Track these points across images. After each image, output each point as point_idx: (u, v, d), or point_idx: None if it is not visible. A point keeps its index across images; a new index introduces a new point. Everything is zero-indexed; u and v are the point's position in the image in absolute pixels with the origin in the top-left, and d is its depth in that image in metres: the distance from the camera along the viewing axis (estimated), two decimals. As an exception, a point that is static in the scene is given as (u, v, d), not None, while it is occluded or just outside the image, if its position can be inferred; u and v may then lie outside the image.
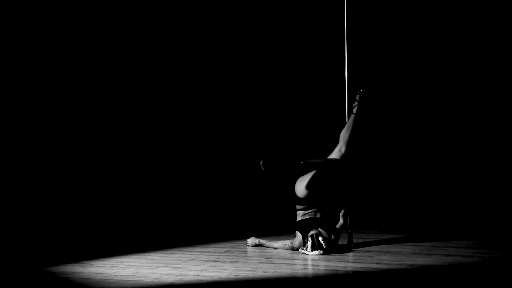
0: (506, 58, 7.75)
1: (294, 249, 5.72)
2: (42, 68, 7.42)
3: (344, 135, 5.87)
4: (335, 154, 5.84)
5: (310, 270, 4.94)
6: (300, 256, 5.51)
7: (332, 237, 5.65)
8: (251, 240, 6.06)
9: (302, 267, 5.06)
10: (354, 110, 5.88)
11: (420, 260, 5.19)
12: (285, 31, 8.33)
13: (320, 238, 5.49)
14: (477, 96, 7.89)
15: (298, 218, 5.75)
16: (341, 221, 5.88)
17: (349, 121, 5.86)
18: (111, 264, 5.29)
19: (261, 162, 5.57)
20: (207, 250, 5.91)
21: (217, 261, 5.37)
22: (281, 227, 7.25)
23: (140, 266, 5.22)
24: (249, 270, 4.97)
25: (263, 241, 6.00)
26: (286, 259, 5.40)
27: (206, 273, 4.89)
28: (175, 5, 8.22)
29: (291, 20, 8.31)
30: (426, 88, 8.06)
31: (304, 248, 5.58)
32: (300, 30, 8.30)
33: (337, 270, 4.91)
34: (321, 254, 5.46)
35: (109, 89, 7.92)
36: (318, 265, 5.11)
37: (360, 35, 7.47)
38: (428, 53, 8.04)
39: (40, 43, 7.39)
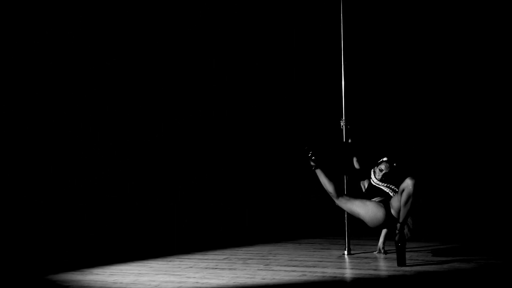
0: (506, 58, 7.75)
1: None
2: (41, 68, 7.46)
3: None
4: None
5: (308, 277, 4.98)
6: (299, 263, 5.55)
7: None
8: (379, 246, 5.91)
9: (300, 273, 5.10)
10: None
11: (417, 267, 5.23)
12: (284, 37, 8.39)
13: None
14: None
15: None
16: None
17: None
18: (111, 272, 5.32)
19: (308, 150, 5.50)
20: (206, 257, 5.95)
21: (216, 268, 5.41)
22: (280, 232, 7.29)
23: (139, 273, 5.25)
24: (248, 277, 5.00)
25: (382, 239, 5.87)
26: (284, 266, 5.44)
27: (205, 280, 4.92)
28: (178, 13, 8.27)
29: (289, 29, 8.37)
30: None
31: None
32: (300, 36, 8.36)
33: (334, 277, 4.95)
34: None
35: (110, 91, 7.94)
36: (316, 271, 5.15)
37: (358, 38, 7.53)
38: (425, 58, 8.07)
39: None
